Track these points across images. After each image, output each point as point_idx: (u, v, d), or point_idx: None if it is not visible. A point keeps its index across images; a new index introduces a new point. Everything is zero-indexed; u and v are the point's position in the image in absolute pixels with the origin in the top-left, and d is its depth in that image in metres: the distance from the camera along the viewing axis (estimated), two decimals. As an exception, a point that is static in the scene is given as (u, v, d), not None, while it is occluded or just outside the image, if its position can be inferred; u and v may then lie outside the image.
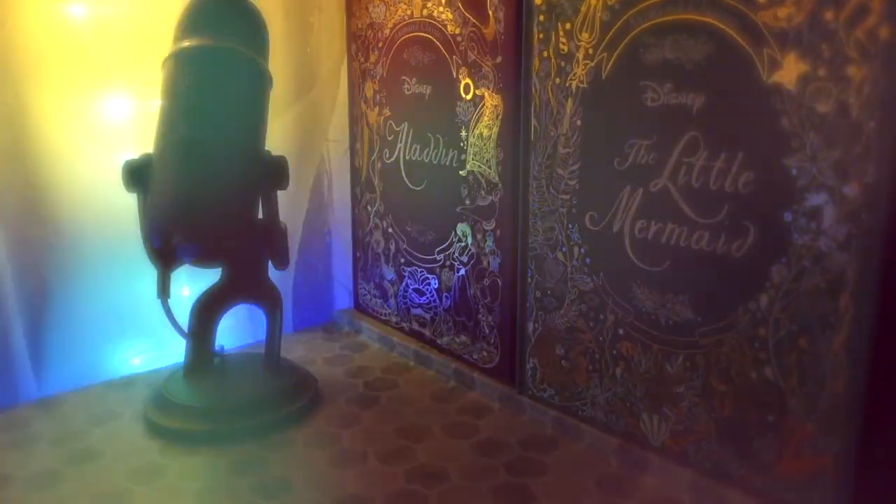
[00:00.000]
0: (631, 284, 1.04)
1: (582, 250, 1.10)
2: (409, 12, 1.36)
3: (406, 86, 1.40)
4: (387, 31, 1.43)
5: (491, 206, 1.24)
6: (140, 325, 1.48)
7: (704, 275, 0.94)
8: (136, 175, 1.18)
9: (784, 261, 0.86)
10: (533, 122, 1.14)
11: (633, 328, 1.04)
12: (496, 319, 1.28)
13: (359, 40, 1.52)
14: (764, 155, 0.86)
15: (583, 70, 1.05)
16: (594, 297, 1.09)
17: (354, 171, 1.60)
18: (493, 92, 1.20)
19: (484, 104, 1.23)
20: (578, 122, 1.07)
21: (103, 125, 1.38)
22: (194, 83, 1.17)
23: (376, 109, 1.49)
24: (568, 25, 1.06)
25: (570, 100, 1.08)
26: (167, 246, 1.14)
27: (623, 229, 1.04)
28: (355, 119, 1.57)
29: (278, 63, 1.44)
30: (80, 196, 1.34)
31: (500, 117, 1.20)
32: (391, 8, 1.41)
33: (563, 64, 1.08)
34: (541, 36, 1.11)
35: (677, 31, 0.93)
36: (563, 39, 1.07)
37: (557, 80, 1.09)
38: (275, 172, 1.21)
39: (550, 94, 1.10)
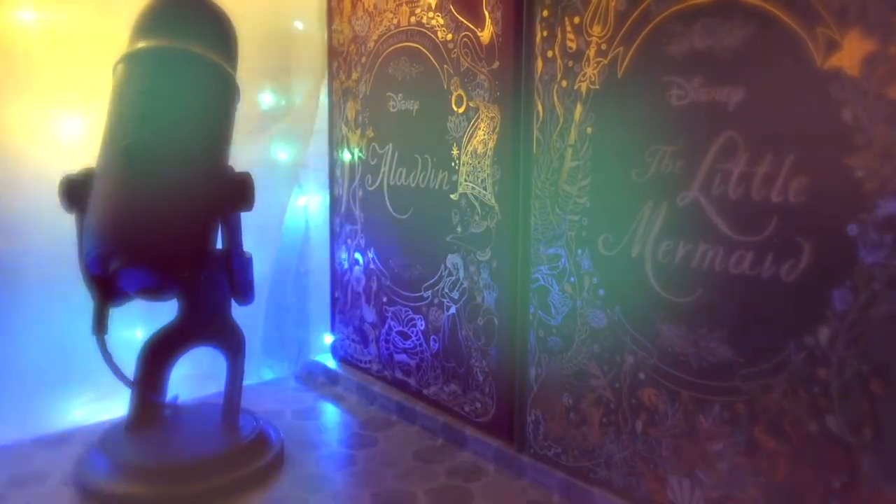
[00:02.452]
0: (654, 319, 0.87)
1: (594, 280, 0.93)
2: (395, 21, 1.23)
3: (392, 103, 1.25)
4: (371, 44, 1.29)
5: (486, 233, 1.08)
6: (85, 370, 1.28)
7: (746, 305, 0.78)
8: (75, 192, 1.01)
9: (849, 284, 0.70)
10: (535, 133, 0.99)
11: (658, 372, 0.87)
12: (491, 365, 1.10)
13: (340, 57, 1.38)
14: (820, 155, 0.71)
15: (594, 69, 0.91)
16: (609, 336, 0.92)
17: (333, 201, 1.44)
18: (488, 102, 1.06)
19: (479, 117, 1.08)
20: (589, 130, 0.92)
21: (49, 142, 1.23)
22: (146, 87, 1.01)
23: (358, 131, 1.34)
24: (577, 19, 0.92)
25: (578, 105, 0.93)
26: (106, 272, 0.96)
27: (644, 253, 0.87)
28: (335, 143, 1.42)
29: (251, 84, 1.30)
30: (14, 222, 1.18)
31: (496, 130, 1.05)
32: (376, 19, 1.27)
33: (570, 64, 0.93)
34: (544, 34, 0.96)
35: (709, 15, 0.79)
36: (570, 36, 0.93)
37: (564, 84, 0.94)
38: (237, 191, 1.04)
39: (556, 100, 0.95)
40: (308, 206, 1.56)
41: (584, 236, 0.94)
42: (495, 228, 1.07)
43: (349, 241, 1.40)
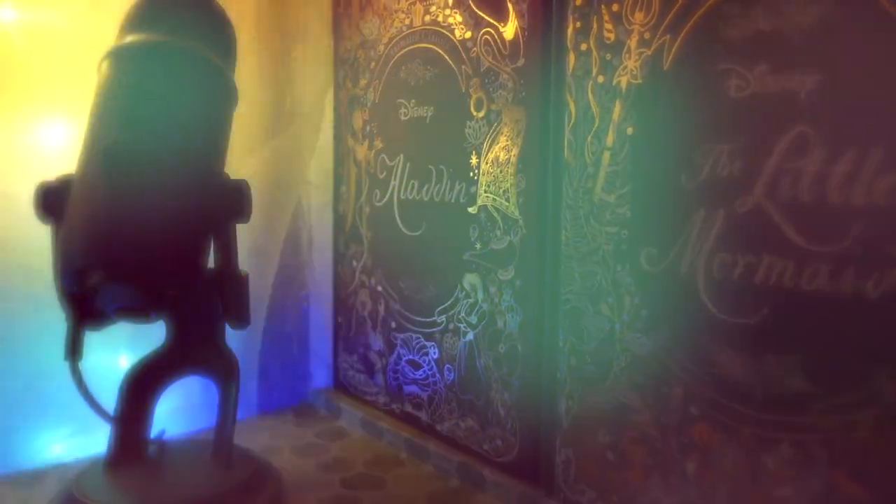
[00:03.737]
0: (708, 344, 0.76)
1: (636, 300, 0.82)
2: (407, 22, 1.13)
3: (403, 110, 1.15)
4: (381, 48, 1.20)
5: (509, 250, 0.97)
6: (64, 400, 1.16)
7: (823, 326, 0.67)
8: (51, 200, 0.91)
9: (953, 300, 0.58)
10: (567, 135, 0.88)
11: (713, 405, 0.76)
12: (514, 397, 0.98)
13: (347, 64, 1.28)
14: (916, 149, 0.60)
15: (636, 62, 0.81)
16: (654, 364, 0.81)
17: (338, 219, 1.34)
18: (512, 104, 0.96)
19: (501, 121, 0.98)
20: (630, 130, 0.82)
21: (25, 151, 1.13)
22: (132, 84, 0.91)
23: (366, 143, 1.24)
24: (615, 7, 0.82)
25: (617, 102, 0.83)
26: (82, 288, 0.85)
27: (696, 268, 0.76)
28: (341, 157, 1.32)
29: (250, 95, 1.20)
30: None
31: (521, 135, 0.95)
32: (386, 21, 1.18)
33: (608, 57, 0.84)
34: (577, 25, 0.87)
35: (776, -9, 0.69)
36: (608, 25, 0.83)
37: (601, 79, 0.84)
38: (232, 200, 0.93)
39: (591, 98, 0.85)
40: (310, 224, 1.45)
41: (623, 250, 0.83)
42: (519, 244, 0.96)
43: (354, 261, 1.29)
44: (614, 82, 0.83)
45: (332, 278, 1.37)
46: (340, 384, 1.37)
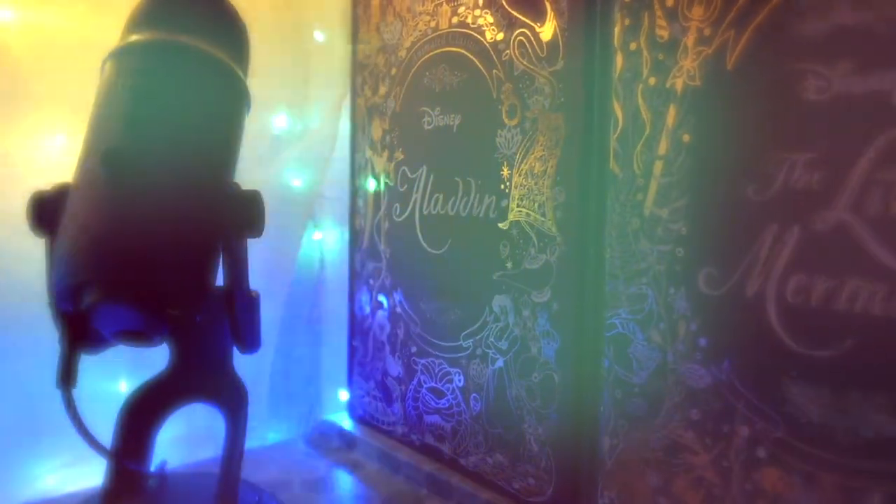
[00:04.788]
0: (780, 378, 0.67)
1: (692, 326, 0.73)
2: (433, 24, 1.06)
3: (426, 119, 1.07)
4: (402, 53, 1.12)
5: (545, 269, 0.89)
6: (58, 428, 1.08)
7: (922, 360, 0.58)
8: (46, 211, 0.83)
9: None
10: (613, 144, 0.80)
11: (786, 448, 0.67)
12: (550, 432, 0.89)
13: (365, 70, 1.21)
14: None
15: (694, 62, 0.72)
16: (714, 399, 0.72)
17: (354, 235, 1.25)
18: (550, 111, 0.87)
19: (537, 129, 0.89)
20: (686, 138, 0.73)
21: (24, 161, 1.06)
22: (136, 85, 0.84)
23: (385, 154, 1.16)
24: (669, 2, 0.74)
25: (672, 107, 0.74)
26: (77, 308, 0.76)
27: (766, 291, 0.68)
28: (357, 168, 1.24)
29: (262, 103, 1.12)
30: None
31: (560, 144, 0.86)
32: (409, 23, 1.10)
33: (661, 57, 0.75)
34: (626, 23, 0.79)
35: (865, -22, 0.60)
36: (661, 22, 0.75)
37: (652, 81, 0.76)
38: (243, 212, 0.85)
39: (641, 103, 0.77)
40: (323, 241, 1.37)
41: (677, 271, 0.75)
42: (557, 263, 0.88)
43: (372, 280, 1.21)
44: (668, 85, 0.75)
45: (347, 299, 1.28)
46: (355, 412, 1.28)
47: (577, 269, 0.86)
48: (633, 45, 0.78)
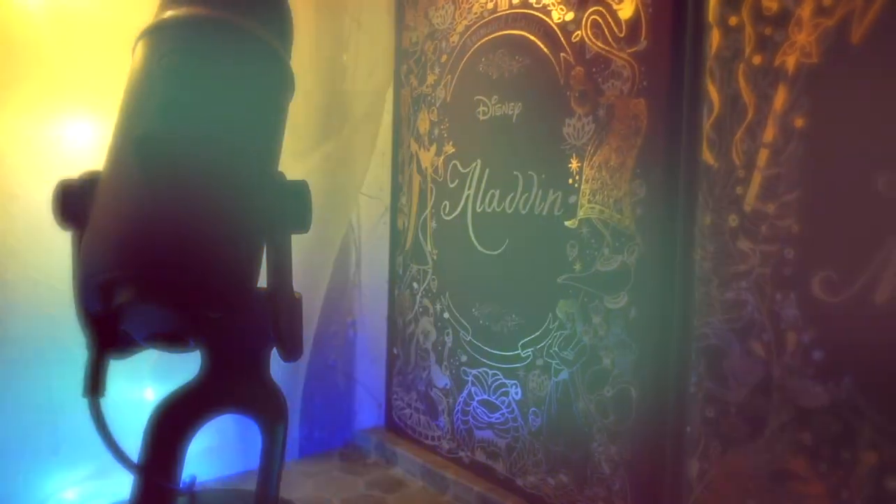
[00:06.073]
0: (917, 398, 0.57)
1: (804, 337, 0.64)
2: (490, 6, 0.97)
3: (482, 108, 0.99)
4: (455, 39, 1.04)
5: (621, 272, 0.80)
6: (81, 440, 1.01)
7: None
8: (73, 202, 0.75)
9: None
10: (706, 131, 0.71)
11: (925, 479, 0.57)
12: (624, 452, 0.80)
13: (411, 59, 1.12)
14: None
15: (810, 36, 0.64)
16: (832, 421, 0.63)
17: (396, 236, 1.17)
18: (630, 96, 0.79)
19: (613, 117, 0.81)
20: (799, 123, 0.65)
21: (47, 151, 0.98)
22: (173, 65, 0.75)
23: (433, 148, 1.08)
24: (779, -31, 0.66)
25: (781, 88, 0.66)
26: (107, 308, 0.68)
27: (900, 298, 0.58)
28: (401, 164, 1.15)
29: (301, 93, 1.05)
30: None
31: (641, 133, 0.78)
32: (463, 6, 1.03)
33: (768, 32, 0.67)
34: (724, -5, 0.70)
35: None
36: (769, -7, 0.66)
37: (756, 60, 0.67)
38: (291, 204, 0.77)
39: (742, 84, 0.68)
40: (359, 240, 1.28)
41: (786, 275, 0.66)
42: (636, 265, 0.79)
43: (415, 284, 1.12)
44: (777, 63, 0.66)
45: (386, 303, 1.20)
46: (394, 425, 1.19)
47: (661, 271, 0.77)
48: (732, 20, 0.70)
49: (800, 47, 0.65)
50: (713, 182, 0.71)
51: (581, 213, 0.85)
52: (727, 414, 0.71)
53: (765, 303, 0.68)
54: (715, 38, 0.71)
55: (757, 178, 0.68)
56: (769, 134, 0.67)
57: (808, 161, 0.65)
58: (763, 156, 0.67)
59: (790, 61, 0.65)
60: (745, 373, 0.69)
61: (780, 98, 0.66)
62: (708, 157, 0.72)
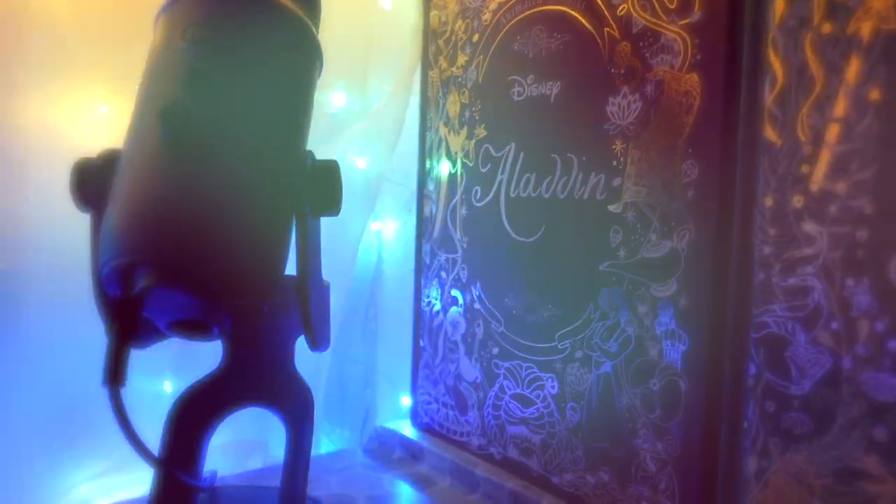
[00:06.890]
0: None
1: (879, 326, 0.60)
2: (526, -19, 0.93)
3: (517, 88, 0.94)
4: (487, 17, 0.99)
5: (670, 258, 0.75)
6: (96, 431, 0.98)
7: None
8: (91, 182, 0.71)
9: None
10: (768, 105, 0.67)
11: None
12: (673, 449, 0.76)
13: (440, 39, 1.08)
14: None
15: (887, 1, 0.59)
16: (910, 415, 0.58)
17: (422, 224, 1.13)
18: (681, 71, 0.74)
19: (662, 93, 0.76)
20: (874, 96, 0.60)
21: (64, 134, 0.95)
22: (198, 38, 0.71)
23: (463, 131, 1.04)
24: (853, -72, 0.61)
25: (853, 58, 0.61)
26: (128, 293, 0.64)
27: None
28: (429, 149, 1.11)
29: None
30: (14, 234, 0.90)
31: (694, 110, 0.73)
32: (495, -18, 0.98)
33: (839, -2, 0.62)
34: (790, -41, 0.65)
35: None
36: (841, -46, 0.62)
37: (826, 28, 0.63)
38: (321, 185, 0.73)
39: (809, 55, 0.64)
40: (382, 226, 1.24)
41: (858, 258, 0.61)
42: (686, 250, 0.74)
43: (444, 273, 1.08)
44: (850, 31, 0.62)
45: (412, 293, 1.15)
46: (420, 420, 1.15)
47: (715, 256, 0.72)
48: (799, -14, 0.65)
49: (876, 13, 0.60)
50: (776, 160, 0.67)
51: (626, 197, 0.81)
52: (789, 408, 0.66)
53: (834, 289, 0.63)
54: (779, 6, 0.66)
55: (826, 156, 0.63)
56: (840, 108, 0.62)
57: (885, 137, 0.60)
58: (833, 131, 0.63)
59: (865, 28, 0.61)
60: (810, 364, 0.64)
61: (852, 69, 0.61)
62: (770, 133, 0.67)
